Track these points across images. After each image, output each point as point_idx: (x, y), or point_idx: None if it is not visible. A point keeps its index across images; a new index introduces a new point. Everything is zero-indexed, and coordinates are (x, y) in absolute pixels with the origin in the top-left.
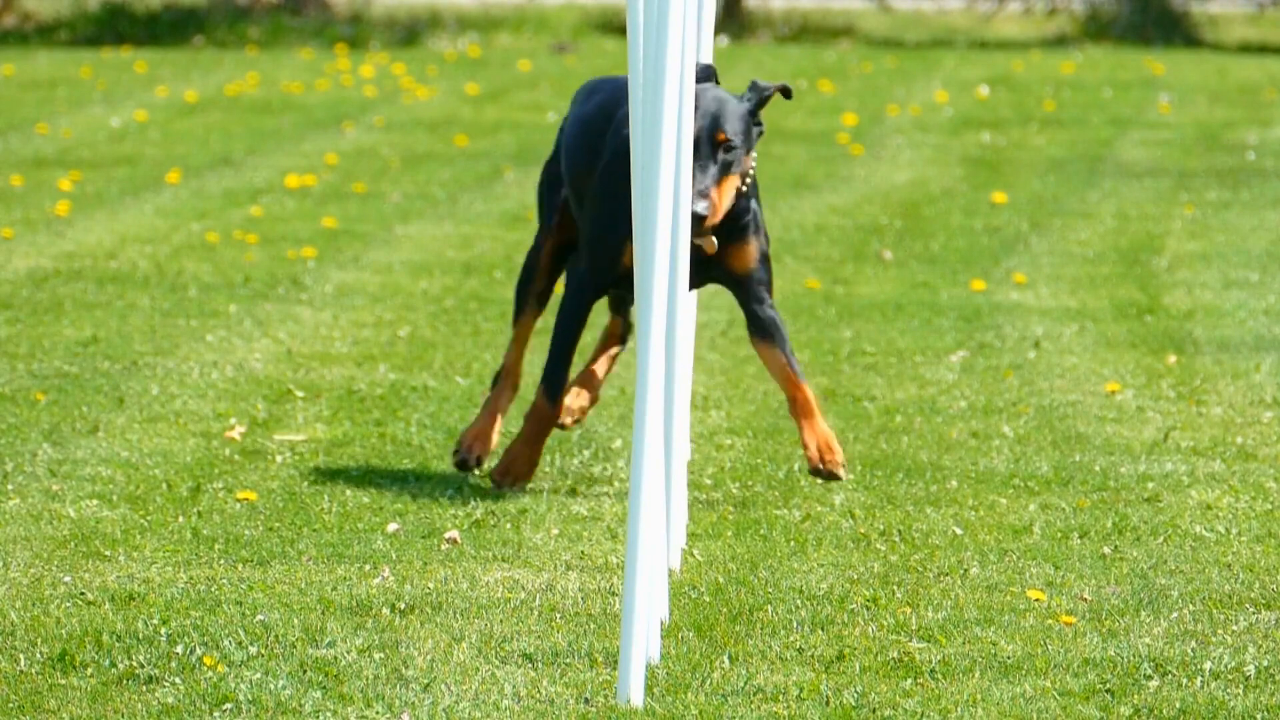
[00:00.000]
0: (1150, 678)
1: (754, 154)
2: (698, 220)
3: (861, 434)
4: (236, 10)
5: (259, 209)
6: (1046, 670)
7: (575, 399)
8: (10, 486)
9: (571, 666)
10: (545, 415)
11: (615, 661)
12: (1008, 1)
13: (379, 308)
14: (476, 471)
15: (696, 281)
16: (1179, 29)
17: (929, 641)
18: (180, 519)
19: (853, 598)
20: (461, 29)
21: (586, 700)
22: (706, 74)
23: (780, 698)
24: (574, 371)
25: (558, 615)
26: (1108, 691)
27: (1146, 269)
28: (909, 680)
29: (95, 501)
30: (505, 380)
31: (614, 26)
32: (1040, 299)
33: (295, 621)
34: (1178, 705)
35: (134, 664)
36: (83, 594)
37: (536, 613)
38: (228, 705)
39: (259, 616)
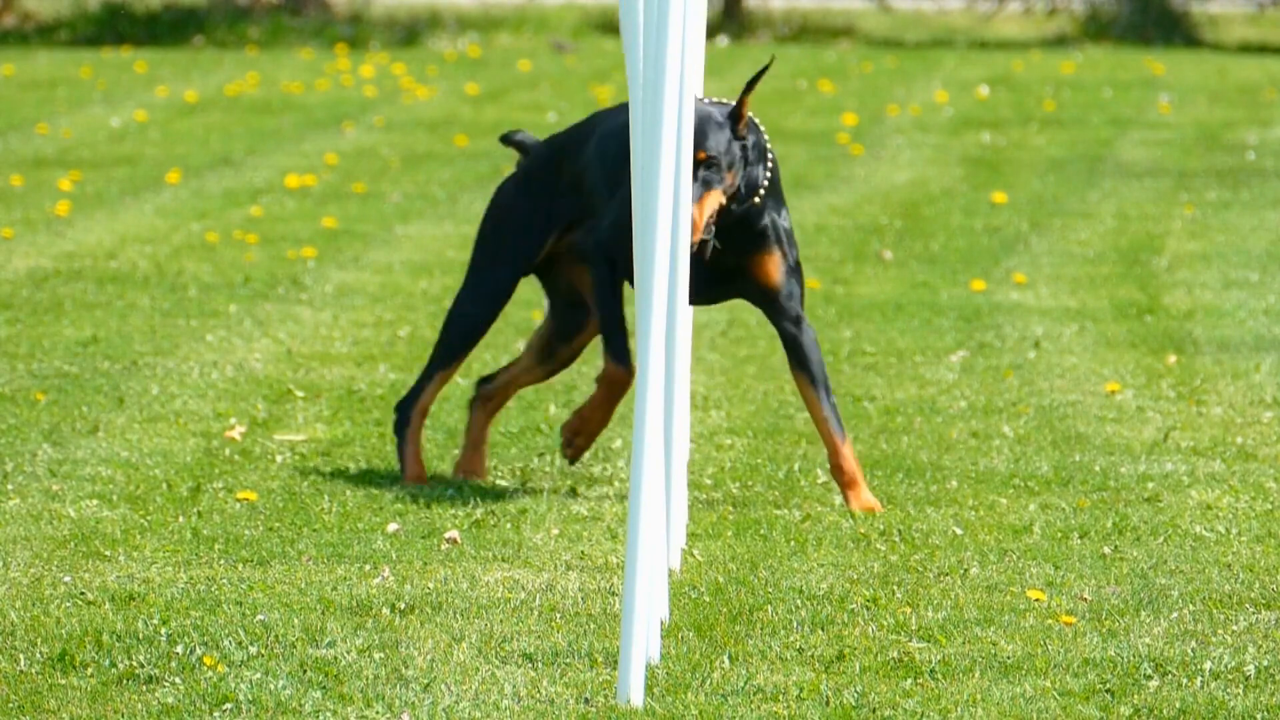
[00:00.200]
0: (1150, 678)
1: (770, 164)
2: None
3: (861, 434)
4: (236, 10)
5: (259, 209)
6: (1046, 670)
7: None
8: (10, 486)
9: (571, 666)
10: (618, 378)
11: (615, 661)
12: (1008, 1)
13: (379, 308)
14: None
15: (721, 295)
16: (1179, 29)
17: (929, 641)
18: (180, 519)
19: (853, 598)
20: (461, 29)
21: (586, 700)
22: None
23: (780, 698)
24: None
25: (558, 615)
26: (1108, 691)
27: (1146, 269)
28: (909, 680)
29: (95, 501)
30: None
31: (614, 26)
32: (1040, 299)
33: (295, 621)
34: (1178, 705)
35: (134, 664)
36: (83, 594)
37: (536, 613)
38: (228, 705)
39: (259, 616)
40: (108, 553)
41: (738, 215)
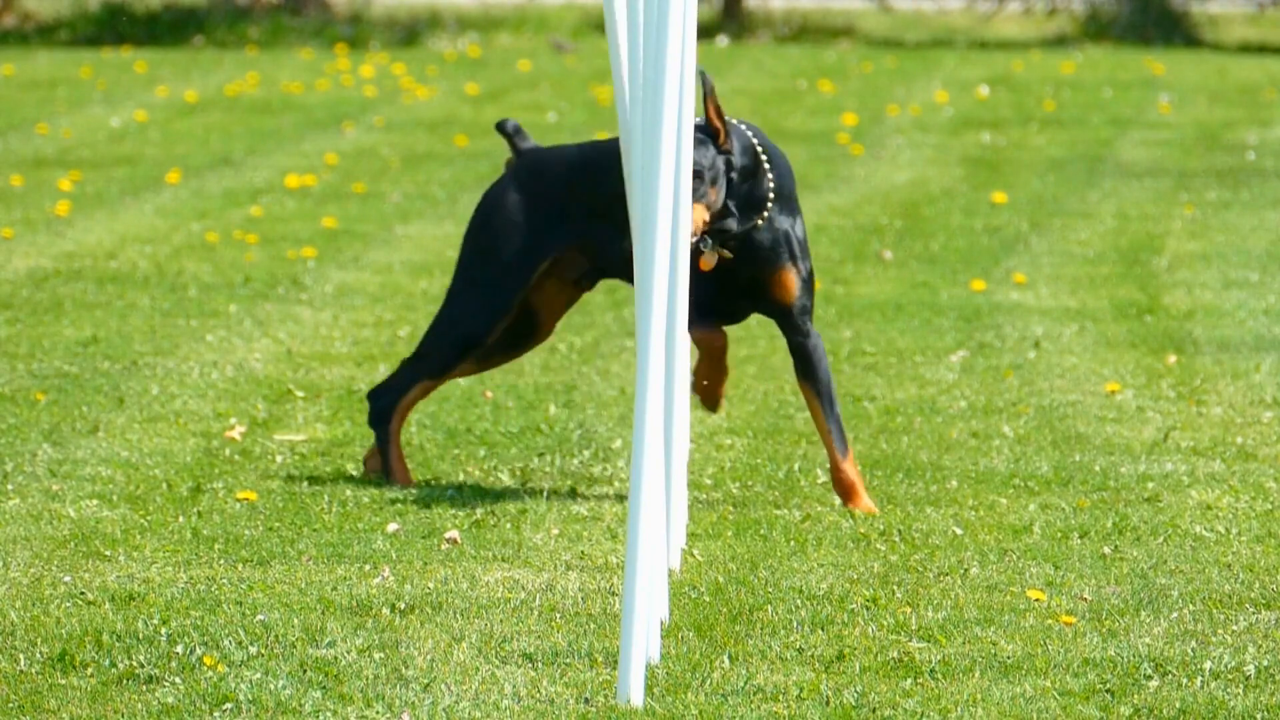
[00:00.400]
0: (1150, 678)
1: (773, 175)
2: None
3: (861, 434)
4: (236, 10)
5: (259, 209)
6: (1046, 670)
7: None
8: (10, 486)
9: (571, 666)
10: (700, 342)
11: (615, 661)
12: (1008, 1)
13: (379, 308)
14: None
15: (745, 310)
16: (1179, 29)
17: (929, 641)
18: (180, 519)
19: (853, 598)
20: (461, 29)
21: (586, 700)
22: None
23: (780, 698)
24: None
25: (558, 615)
26: (1108, 691)
27: (1146, 269)
28: (909, 680)
29: (95, 501)
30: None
31: None
32: (1040, 299)
33: (295, 621)
34: (1178, 705)
35: (134, 664)
36: (83, 594)
37: (536, 613)
38: (228, 705)
39: (259, 616)
40: (108, 553)
41: (742, 231)
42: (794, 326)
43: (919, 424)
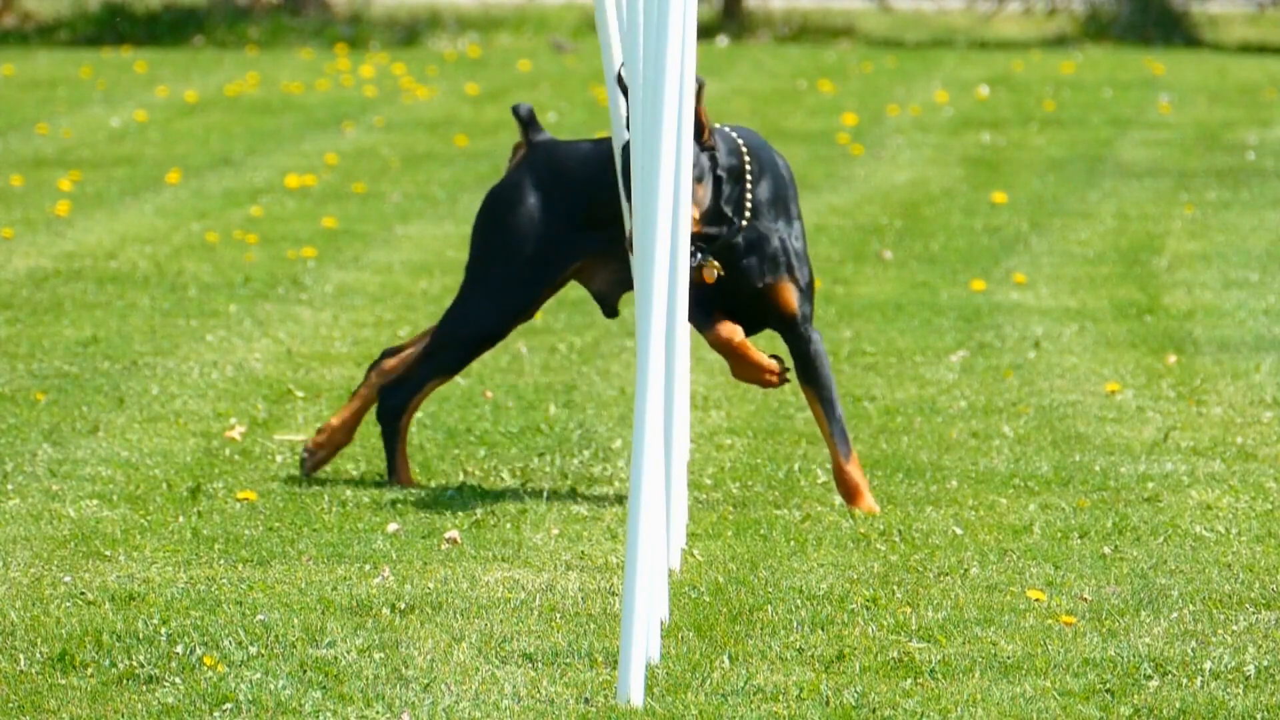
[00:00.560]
0: (1150, 678)
1: (750, 180)
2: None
3: (861, 434)
4: (236, 10)
5: (259, 209)
6: (1046, 670)
7: None
8: (10, 486)
9: (571, 666)
10: (714, 341)
11: (615, 661)
12: (1008, 1)
13: (379, 308)
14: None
15: (756, 324)
16: (1179, 29)
17: (929, 641)
18: (180, 519)
19: (853, 598)
20: (461, 29)
21: (586, 700)
22: None
23: (780, 698)
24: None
25: (558, 615)
26: (1108, 691)
27: (1146, 269)
28: (909, 680)
29: (95, 501)
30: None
31: None
32: (1040, 299)
33: (295, 621)
34: (1178, 705)
35: (134, 664)
36: (83, 594)
37: (536, 613)
38: (228, 705)
39: (259, 616)
40: (108, 553)
41: (729, 238)
42: (796, 334)
43: (919, 424)
